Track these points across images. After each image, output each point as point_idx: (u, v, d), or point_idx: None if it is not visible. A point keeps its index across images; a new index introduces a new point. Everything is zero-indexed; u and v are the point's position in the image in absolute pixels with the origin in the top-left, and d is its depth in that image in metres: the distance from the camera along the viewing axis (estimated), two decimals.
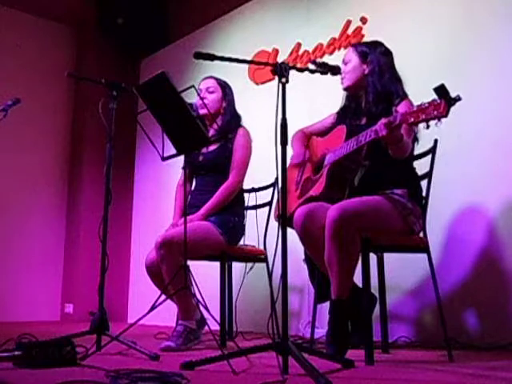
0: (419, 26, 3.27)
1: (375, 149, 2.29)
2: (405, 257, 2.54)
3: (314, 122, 2.76)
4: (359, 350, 2.15)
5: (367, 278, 2.16)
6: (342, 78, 2.53)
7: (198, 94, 2.84)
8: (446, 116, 1.82)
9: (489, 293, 2.73)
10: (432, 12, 3.22)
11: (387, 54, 2.52)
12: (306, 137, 2.73)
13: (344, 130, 2.40)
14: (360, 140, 2.20)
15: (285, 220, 1.85)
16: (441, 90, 1.81)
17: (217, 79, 3.10)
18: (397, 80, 2.48)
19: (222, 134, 2.94)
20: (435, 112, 1.82)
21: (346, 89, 2.55)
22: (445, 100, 1.80)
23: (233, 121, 3.03)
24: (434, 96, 1.83)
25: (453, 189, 2.90)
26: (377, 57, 2.49)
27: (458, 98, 1.79)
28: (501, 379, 1.81)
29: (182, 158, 2.71)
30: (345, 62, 2.54)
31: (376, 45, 2.55)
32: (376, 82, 2.43)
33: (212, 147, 2.99)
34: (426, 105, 1.86)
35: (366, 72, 2.48)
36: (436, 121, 1.84)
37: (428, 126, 1.88)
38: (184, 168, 3.07)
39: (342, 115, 2.60)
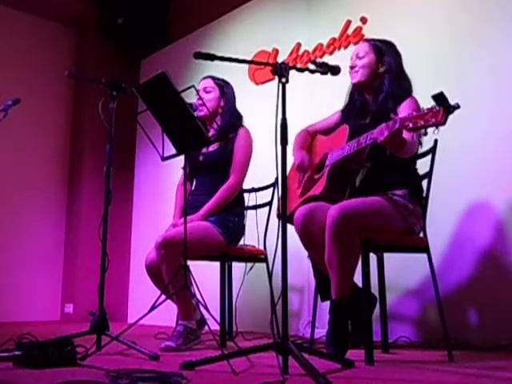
0: (419, 25, 3.27)
1: (377, 150, 2.28)
2: (405, 257, 2.54)
3: (320, 120, 2.73)
4: (359, 350, 2.15)
5: (367, 278, 2.16)
6: (355, 72, 2.47)
7: (198, 95, 2.83)
8: (443, 124, 1.81)
9: (489, 293, 2.73)
10: (432, 12, 3.22)
11: (399, 55, 2.50)
12: (310, 136, 2.71)
13: (347, 130, 2.39)
14: (360, 142, 2.20)
15: (285, 220, 1.85)
16: (439, 98, 1.80)
17: (214, 79, 3.07)
18: (406, 81, 2.46)
19: (221, 134, 2.92)
20: (433, 120, 1.82)
21: (355, 84, 2.49)
22: (443, 108, 1.80)
23: (233, 120, 3.00)
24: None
25: (453, 189, 2.90)
26: (393, 57, 2.47)
27: (456, 106, 1.79)
28: (501, 379, 1.81)
29: (182, 158, 2.70)
30: (359, 56, 2.48)
31: (390, 45, 2.51)
32: (391, 83, 2.41)
33: (212, 147, 2.97)
34: (425, 111, 1.85)
35: (381, 71, 2.45)
36: (434, 128, 1.84)
37: (426, 133, 1.91)
38: (184, 168, 3.06)
39: (347, 114, 2.57)
